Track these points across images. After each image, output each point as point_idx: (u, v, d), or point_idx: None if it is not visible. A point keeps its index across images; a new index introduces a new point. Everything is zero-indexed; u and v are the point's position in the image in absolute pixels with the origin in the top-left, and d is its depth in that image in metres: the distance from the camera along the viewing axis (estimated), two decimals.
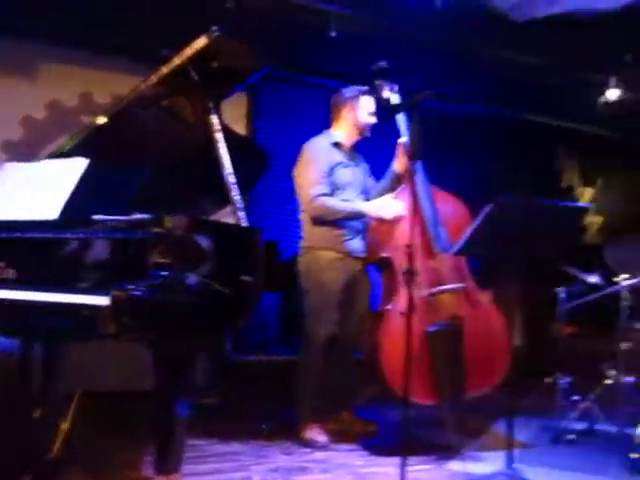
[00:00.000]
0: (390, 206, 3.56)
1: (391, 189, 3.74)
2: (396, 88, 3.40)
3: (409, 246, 2.78)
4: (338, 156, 3.70)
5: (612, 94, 5.16)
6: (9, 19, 4.25)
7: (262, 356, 4.81)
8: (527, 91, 5.26)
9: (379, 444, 3.58)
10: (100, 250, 2.31)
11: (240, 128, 4.85)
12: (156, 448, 2.26)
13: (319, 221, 3.63)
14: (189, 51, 2.80)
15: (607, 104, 5.27)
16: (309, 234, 3.70)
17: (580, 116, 5.82)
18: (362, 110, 3.71)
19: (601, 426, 3.90)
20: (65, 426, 2.64)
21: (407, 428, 2.68)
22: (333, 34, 4.19)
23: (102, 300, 2.03)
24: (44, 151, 4.45)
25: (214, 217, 3.21)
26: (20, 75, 4.45)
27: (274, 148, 4.86)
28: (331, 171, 3.64)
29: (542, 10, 4.53)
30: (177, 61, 2.82)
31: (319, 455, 3.43)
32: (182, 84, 2.91)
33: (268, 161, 3.30)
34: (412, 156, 3.21)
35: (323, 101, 5.04)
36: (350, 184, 3.71)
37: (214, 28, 2.76)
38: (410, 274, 2.79)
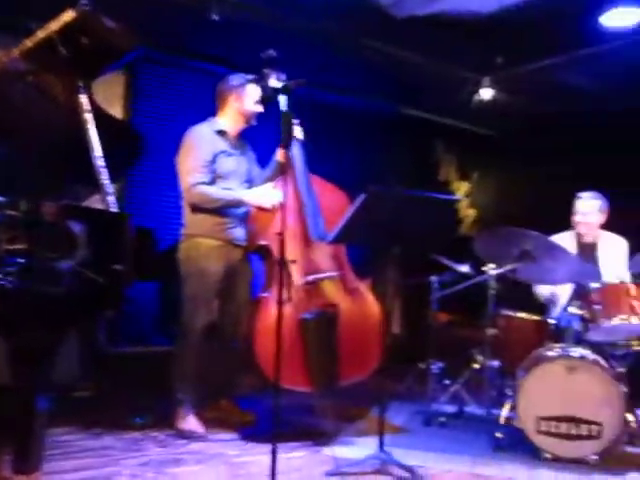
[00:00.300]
0: (269, 194, 3.57)
1: (275, 177, 3.73)
2: (283, 77, 3.39)
3: (280, 234, 2.79)
4: (222, 144, 3.64)
5: (486, 93, 5.39)
6: None
7: (139, 347, 4.66)
8: (406, 86, 5.40)
9: (256, 433, 3.57)
10: None
11: (117, 110, 4.67)
12: (14, 446, 2.13)
13: (199, 209, 3.57)
14: (55, 24, 2.64)
15: (481, 102, 5.51)
16: (190, 221, 3.64)
17: (457, 113, 6.04)
18: (248, 98, 3.68)
19: (469, 408, 4.10)
20: None
21: (278, 415, 2.67)
22: (215, 18, 4.09)
23: None
24: None
25: (88, 202, 3.08)
26: None
27: (154, 132, 4.74)
28: (214, 159, 3.59)
29: (421, 8, 4.66)
30: (42, 34, 2.66)
31: (195, 446, 3.38)
32: (50, 60, 2.74)
33: (144, 145, 3.18)
34: (285, 144, 3.23)
35: (207, 86, 4.96)
36: (234, 173, 3.67)
37: (83, 2, 2.62)
38: (281, 262, 2.80)
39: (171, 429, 3.54)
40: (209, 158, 3.56)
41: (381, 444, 3.06)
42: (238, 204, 3.62)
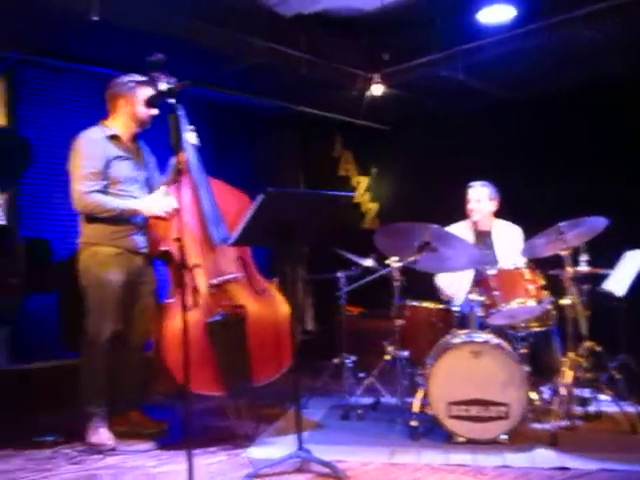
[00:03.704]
0: (160, 202, 3.48)
1: (172, 182, 3.64)
2: (173, 81, 3.31)
3: (178, 239, 2.75)
4: (114, 149, 3.52)
5: (377, 89, 5.49)
6: None
7: (43, 362, 4.44)
8: (299, 84, 5.41)
9: (171, 442, 3.48)
10: None
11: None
12: None
13: (94, 218, 3.44)
14: None
15: (373, 98, 5.61)
16: (86, 230, 3.52)
17: (352, 109, 6.11)
18: (139, 101, 3.56)
19: (385, 399, 4.16)
20: None
21: (189, 421, 2.62)
22: (95, 18, 3.92)
23: None
24: None
25: None
26: None
27: (41, 138, 4.54)
28: (107, 164, 3.46)
29: (308, 6, 4.69)
30: None
31: (110, 460, 3.27)
32: None
33: (31, 152, 3.02)
34: (175, 148, 3.17)
35: (92, 89, 4.79)
36: (130, 178, 3.57)
37: None
38: (182, 267, 2.75)
39: (83, 444, 3.41)
40: (101, 164, 3.43)
41: (300, 442, 3.04)
42: (132, 213, 3.51)
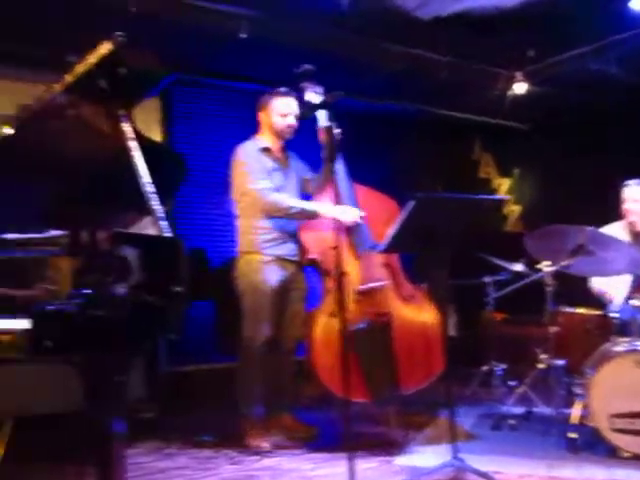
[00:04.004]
0: (340, 208, 3.49)
1: (319, 191, 3.73)
2: (320, 90, 3.39)
3: (335, 248, 2.77)
4: (268, 161, 3.65)
5: (519, 88, 5.31)
6: None
7: (200, 365, 4.69)
8: (438, 87, 5.34)
9: (323, 446, 3.53)
10: (16, 270, 2.15)
11: (155, 134, 4.72)
12: (96, 470, 2.13)
13: (251, 225, 3.59)
14: (93, 57, 2.66)
15: (515, 97, 5.43)
16: (241, 239, 3.68)
17: (492, 110, 5.95)
18: (274, 113, 3.66)
19: (538, 409, 3.99)
20: None
21: (348, 427, 2.63)
22: (243, 36, 4.10)
23: (23, 323, 1.89)
24: None
25: (135, 228, 3.10)
26: None
27: (193, 153, 4.80)
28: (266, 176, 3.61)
29: (446, 8, 4.61)
30: (81, 68, 2.68)
31: (267, 462, 3.35)
32: (89, 92, 2.77)
33: (186, 166, 3.19)
34: (329, 157, 3.21)
35: (241, 105, 4.98)
36: (283, 187, 3.67)
37: (118, 33, 2.64)
38: (339, 276, 2.79)
39: (241, 445, 3.53)
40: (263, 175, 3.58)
41: (455, 451, 2.98)
42: (312, 215, 3.57)
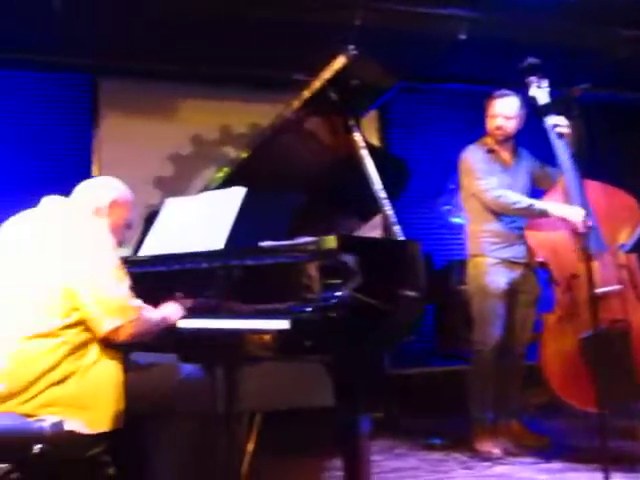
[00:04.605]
0: (578, 210, 3.31)
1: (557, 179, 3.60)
2: (546, 84, 3.27)
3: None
4: (494, 163, 3.63)
5: None
6: (147, 65, 4.53)
7: (422, 368, 4.75)
8: None
9: (551, 457, 3.39)
10: (274, 275, 2.35)
11: (373, 142, 4.83)
12: (344, 466, 2.23)
13: (478, 229, 3.60)
14: (328, 72, 2.82)
15: None
16: (469, 243, 3.70)
17: None
18: (487, 115, 3.64)
19: None
20: (250, 448, 2.71)
21: (604, 438, 2.54)
22: (462, 37, 4.08)
23: (282, 324, 2.05)
24: (190, 184, 4.67)
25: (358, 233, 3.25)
26: (163, 114, 4.70)
27: (409, 159, 4.85)
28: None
29: None
30: (318, 83, 2.86)
31: (499, 469, 3.28)
32: (321, 106, 2.94)
33: (408, 172, 3.28)
34: (563, 153, 3.07)
35: (458, 107, 4.95)
36: (510, 187, 3.60)
37: (351, 47, 2.77)
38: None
39: (470, 450, 3.51)
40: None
41: None
42: (540, 213, 3.48)
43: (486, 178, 3.55)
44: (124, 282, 2.06)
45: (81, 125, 4.67)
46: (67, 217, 2.14)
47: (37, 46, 4.27)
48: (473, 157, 3.63)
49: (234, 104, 4.81)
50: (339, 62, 2.78)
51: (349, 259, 2.24)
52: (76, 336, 1.98)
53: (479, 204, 3.61)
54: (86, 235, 2.07)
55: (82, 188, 2.31)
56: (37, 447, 1.85)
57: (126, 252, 3.32)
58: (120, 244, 2.35)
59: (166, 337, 2.36)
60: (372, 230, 3.77)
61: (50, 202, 2.19)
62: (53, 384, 1.93)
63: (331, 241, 2.22)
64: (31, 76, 4.58)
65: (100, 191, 2.30)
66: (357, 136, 2.93)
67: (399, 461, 3.47)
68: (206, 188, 3.07)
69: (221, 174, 3.12)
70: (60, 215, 2.14)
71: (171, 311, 2.29)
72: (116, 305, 2.00)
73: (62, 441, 1.89)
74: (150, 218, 2.93)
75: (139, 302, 2.11)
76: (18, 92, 4.56)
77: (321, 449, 3.16)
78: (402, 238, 2.76)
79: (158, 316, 2.21)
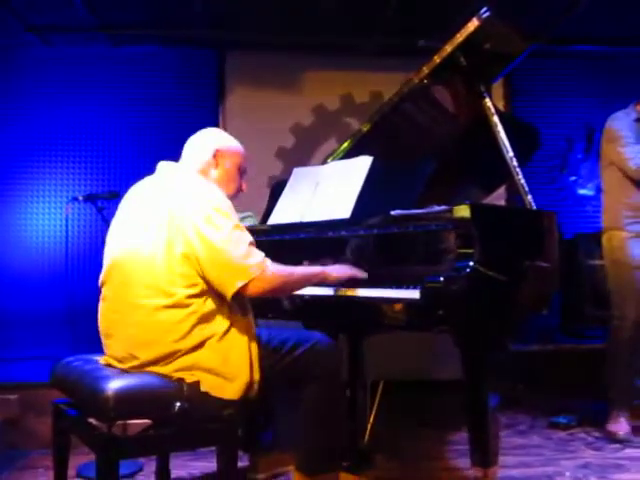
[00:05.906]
0: None
1: None
2: None
3: None
4: None
5: None
6: (272, 37, 4.55)
7: (545, 345, 4.59)
8: None
9: None
10: (404, 245, 2.33)
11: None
12: (471, 440, 2.20)
13: (616, 200, 3.44)
14: (461, 36, 2.71)
15: None
16: (604, 215, 3.55)
17: None
18: None
19: None
20: (371, 416, 2.72)
21: None
22: None
23: (414, 294, 2.03)
24: (313, 154, 4.71)
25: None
26: (287, 86, 4.73)
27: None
28: None
29: None
30: (449, 48, 2.76)
31: (631, 452, 3.14)
32: (451, 72, 2.85)
33: (539, 140, 3.14)
34: None
35: (588, 72, 4.66)
36: None
37: (483, 9, 2.65)
38: None
39: (598, 430, 3.40)
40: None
41: None
42: None
43: (631, 146, 3.36)
44: (242, 240, 1.97)
45: (208, 99, 4.79)
46: (175, 180, 2.10)
47: (164, 21, 4.40)
48: (620, 123, 3.45)
49: (356, 74, 4.77)
50: (471, 26, 2.67)
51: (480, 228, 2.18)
52: (203, 305, 1.96)
53: (619, 175, 3.42)
54: (193, 198, 1.99)
55: (186, 147, 2.26)
56: (177, 405, 1.91)
57: (252, 221, 3.42)
58: (239, 191, 2.29)
59: (293, 303, 2.40)
60: (496, 201, 3.66)
61: (163, 168, 2.18)
62: (188, 351, 1.94)
63: (464, 210, 2.16)
64: (159, 51, 4.73)
65: (201, 146, 2.24)
66: (488, 102, 2.82)
67: (523, 438, 3.41)
68: (335, 158, 3.07)
69: (346, 144, 3.11)
70: (169, 179, 2.11)
71: (320, 270, 2.22)
72: (235, 266, 1.92)
73: (198, 402, 1.93)
74: (276, 189, 2.97)
75: (260, 258, 1.98)
76: (146, 67, 4.74)
77: (447, 421, 3.11)
78: (535, 208, 2.64)
79: (291, 271, 2.10)
